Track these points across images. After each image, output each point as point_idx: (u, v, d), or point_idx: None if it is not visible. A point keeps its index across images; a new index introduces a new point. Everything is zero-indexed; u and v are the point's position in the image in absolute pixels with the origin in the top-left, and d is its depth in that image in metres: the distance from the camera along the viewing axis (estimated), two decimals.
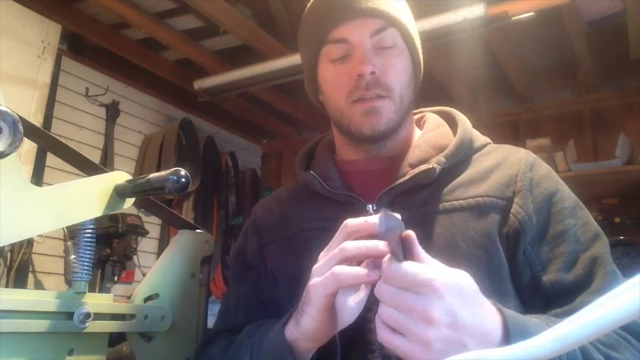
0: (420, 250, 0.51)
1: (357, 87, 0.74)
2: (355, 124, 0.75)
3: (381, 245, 0.53)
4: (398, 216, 0.51)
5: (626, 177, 2.37)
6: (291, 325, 0.61)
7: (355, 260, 0.56)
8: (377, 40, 0.75)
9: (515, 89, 2.86)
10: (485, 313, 0.51)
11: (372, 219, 0.55)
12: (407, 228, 0.54)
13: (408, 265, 0.49)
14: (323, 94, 0.82)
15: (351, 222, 0.57)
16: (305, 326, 0.59)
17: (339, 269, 0.55)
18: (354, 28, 0.74)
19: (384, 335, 0.50)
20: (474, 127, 0.82)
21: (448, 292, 0.48)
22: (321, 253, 0.59)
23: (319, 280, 0.56)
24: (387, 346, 0.50)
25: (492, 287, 0.66)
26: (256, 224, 0.86)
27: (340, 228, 0.58)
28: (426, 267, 0.49)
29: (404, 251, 0.50)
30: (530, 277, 0.68)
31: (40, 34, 2.32)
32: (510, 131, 2.94)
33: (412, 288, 0.48)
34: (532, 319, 0.57)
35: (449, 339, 0.48)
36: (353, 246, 0.55)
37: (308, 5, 0.79)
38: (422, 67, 0.82)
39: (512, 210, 0.70)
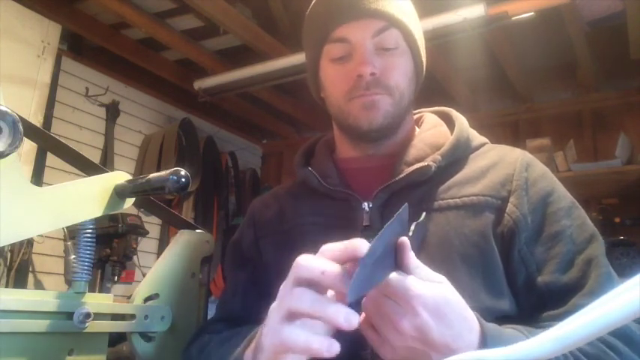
0: (410, 259, 0.51)
1: (357, 87, 0.74)
2: (353, 118, 0.76)
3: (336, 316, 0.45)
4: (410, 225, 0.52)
5: (626, 177, 2.36)
6: (249, 354, 0.58)
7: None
8: (378, 41, 0.75)
9: (515, 89, 2.85)
10: (461, 331, 0.52)
11: (329, 268, 0.48)
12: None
13: (393, 277, 0.50)
14: (324, 90, 0.82)
15: (304, 267, 0.49)
16: None
17: (290, 338, 0.47)
18: (357, 28, 0.75)
19: (364, 326, 0.53)
20: (474, 127, 0.83)
21: (424, 310, 0.49)
22: (281, 288, 0.52)
23: (270, 338, 0.50)
24: (364, 334, 0.53)
25: (486, 286, 0.66)
26: (253, 218, 0.86)
27: (293, 268, 0.50)
28: (410, 282, 0.50)
29: (395, 257, 0.51)
30: (524, 277, 0.68)
31: (40, 34, 2.32)
32: (510, 131, 2.94)
33: (392, 297, 0.50)
34: (510, 331, 0.58)
35: (414, 350, 0.51)
36: (308, 301, 0.47)
37: (312, 2, 0.79)
38: (424, 68, 0.82)
39: (507, 209, 0.70)
